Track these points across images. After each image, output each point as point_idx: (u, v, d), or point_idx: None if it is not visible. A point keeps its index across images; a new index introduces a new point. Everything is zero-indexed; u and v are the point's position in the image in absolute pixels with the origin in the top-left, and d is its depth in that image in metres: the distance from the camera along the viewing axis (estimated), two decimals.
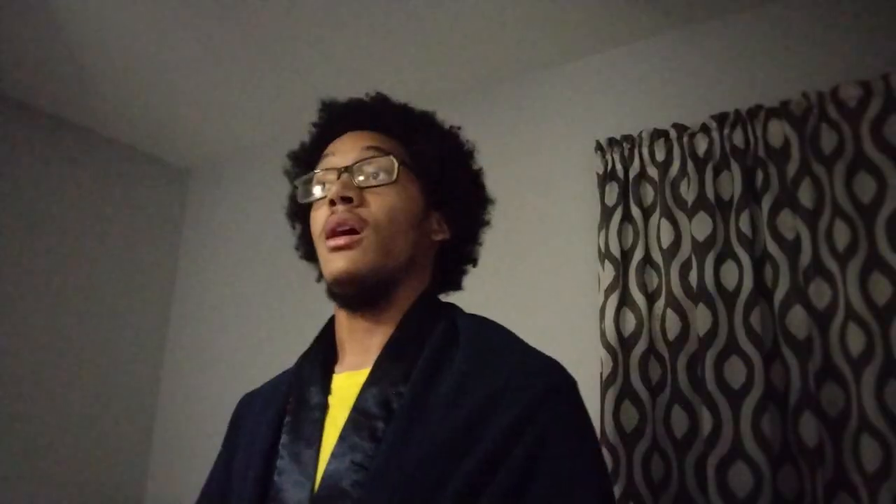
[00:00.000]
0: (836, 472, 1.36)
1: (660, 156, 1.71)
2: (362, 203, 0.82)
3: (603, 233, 1.71)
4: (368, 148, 0.86)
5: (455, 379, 0.75)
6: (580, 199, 1.89)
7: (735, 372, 1.48)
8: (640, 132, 1.75)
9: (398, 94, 0.99)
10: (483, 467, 0.66)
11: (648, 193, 1.73)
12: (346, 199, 0.81)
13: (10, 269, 2.29)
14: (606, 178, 1.76)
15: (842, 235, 1.44)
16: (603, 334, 1.64)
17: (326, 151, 0.89)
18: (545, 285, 1.88)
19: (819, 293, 1.45)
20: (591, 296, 1.79)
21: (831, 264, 1.45)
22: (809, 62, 1.64)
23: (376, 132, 0.90)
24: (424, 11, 1.83)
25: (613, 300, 1.65)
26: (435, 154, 0.90)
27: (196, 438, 2.51)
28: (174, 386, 2.65)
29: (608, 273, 1.68)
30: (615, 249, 1.69)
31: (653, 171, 1.73)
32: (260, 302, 2.51)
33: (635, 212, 1.70)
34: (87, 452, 2.41)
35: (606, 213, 1.73)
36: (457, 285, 0.99)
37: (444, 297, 0.96)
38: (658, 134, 1.72)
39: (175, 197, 2.87)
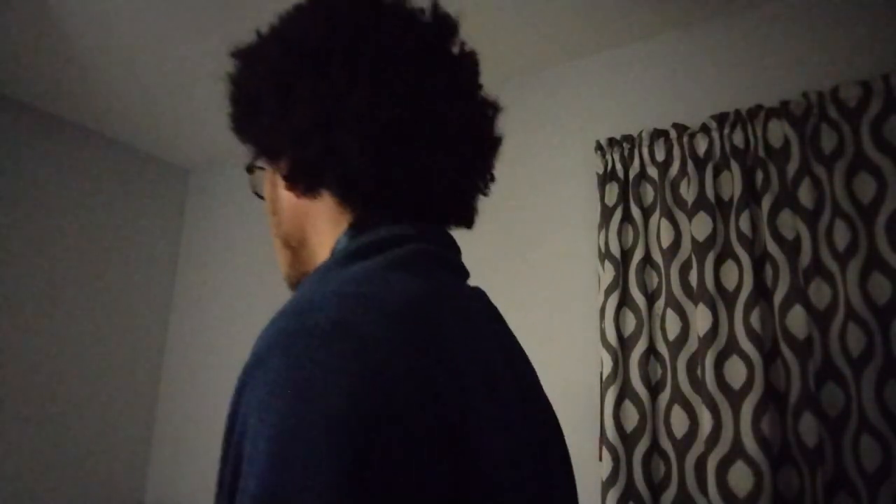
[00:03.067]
0: (836, 472, 1.36)
1: (660, 156, 1.71)
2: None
3: (603, 233, 1.71)
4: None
5: None
6: (580, 199, 1.89)
7: (735, 372, 1.48)
8: (640, 132, 1.75)
9: None
10: (222, 465, 0.48)
11: (648, 193, 1.73)
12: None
13: (10, 268, 2.29)
14: (606, 178, 1.76)
15: (842, 235, 1.44)
16: (603, 334, 1.64)
17: None
18: (545, 285, 1.89)
19: (819, 293, 1.45)
20: (591, 296, 1.79)
21: (831, 264, 1.45)
22: (809, 62, 1.64)
23: None
24: None
25: (613, 300, 1.65)
26: (239, 98, 0.64)
27: (196, 438, 2.52)
28: (174, 386, 2.65)
29: (608, 273, 1.68)
30: (615, 249, 1.69)
31: (653, 171, 1.73)
32: (260, 301, 2.51)
33: (635, 212, 1.70)
34: (87, 452, 2.41)
35: (606, 213, 1.73)
36: (414, 209, 0.61)
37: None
38: (658, 134, 1.72)
39: (175, 197, 2.87)
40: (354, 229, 0.59)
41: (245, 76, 0.64)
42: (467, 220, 0.66)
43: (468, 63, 0.63)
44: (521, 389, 0.58)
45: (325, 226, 0.62)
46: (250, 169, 0.70)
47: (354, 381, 0.43)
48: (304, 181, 0.60)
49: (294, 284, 0.68)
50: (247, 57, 0.64)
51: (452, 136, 0.60)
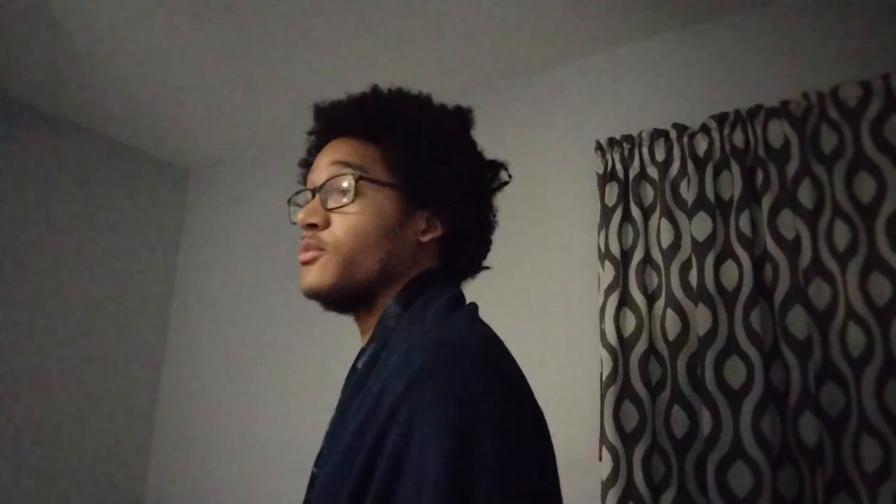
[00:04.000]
0: (836, 472, 1.36)
1: (660, 156, 1.71)
2: (327, 225, 0.82)
3: (603, 233, 1.71)
4: (334, 163, 0.84)
5: (375, 374, 0.75)
6: (580, 199, 1.89)
7: (735, 372, 1.48)
8: (640, 132, 1.75)
9: None
10: (365, 471, 0.62)
11: (648, 193, 1.73)
12: (311, 226, 0.82)
13: (10, 268, 2.29)
14: (606, 178, 1.76)
15: (842, 235, 1.44)
16: (603, 334, 1.64)
17: (313, 165, 0.89)
18: (545, 285, 1.88)
19: (819, 293, 1.45)
20: (591, 296, 1.79)
21: (831, 264, 1.45)
22: (809, 62, 1.64)
23: (352, 138, 0.87)
24: (425, 13, 1.83)
25: (613, 300, 1.65)
26: (408, 153, 0.84)
27: (196, 438, 2.52)
28: (174, 386, 2.66)
29: (608, 273, 1.68)
30: (615, 249, 1.69)
31: (653, 171, 1.73)
32: (260, 301, 2.51)
33: (635, 212, 1.70)
34: (87, 452, 2.41)
35: (606, 213, 1.73)
36: (466, 274, 0.94)
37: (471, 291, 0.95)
38: (658, 134, 1.72)
39: (175, 197, 2.87)
40: (439, 284, 0.84)
41: (447, 150, 0.87)
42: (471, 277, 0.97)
43: (495, 194, 0.95)
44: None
45: (417, 265, 0.85)
46: (360, 175, 0.83)
47: (503, 395, 0.65)
48: (452, 236, 0.87)
49: (331, 290, 0.81)
50: (450, 138, 0.89)
51: (487, 235, 0.94)
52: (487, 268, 0.96)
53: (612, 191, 1.74)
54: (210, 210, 2.81)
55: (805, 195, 1.49)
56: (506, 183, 0.94)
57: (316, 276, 0.81)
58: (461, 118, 0.92)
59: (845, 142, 1.49)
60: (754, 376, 1.45)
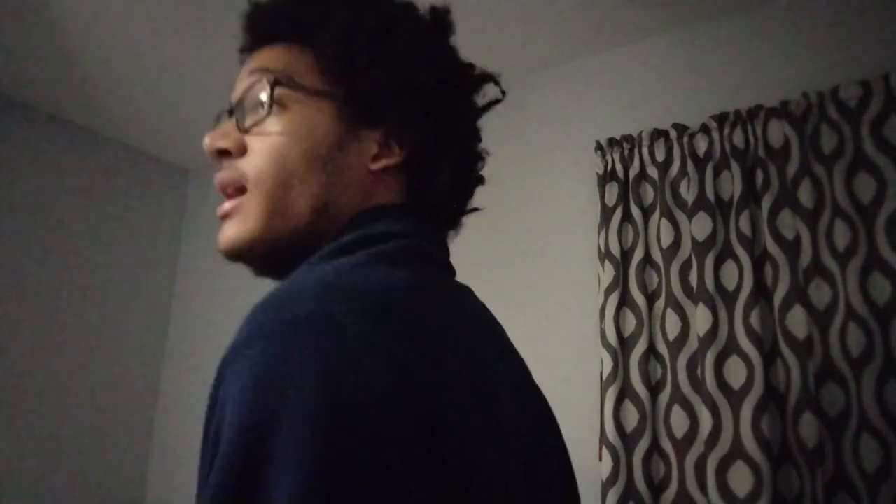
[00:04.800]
0: (836, 472, 1.36)
1: (660, 156, 1.71)
2: (243, 151, 0.61)
3: (603, 233, 1.71)
4: (253, 72, 0.66)
5: None
6: (580, 199, 1.89)
7: (735, 372, 1.48)
8: (640, 132, 1.75)
9: None
10: (200, 461, 0.48)
11: (648, 193, 1.73)
12: (220, 153, 0.62)
13: (9, 268, 2.29)
14: (606, 178, 1.76)
15: (842, 235, 1.44)
16: (603, 334, 1.64)
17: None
18: (545, 285, 1.88)
19: (819, 293, 1.45)
20: (591, 296, 1.79)
21: (831, 264, 1.45)
22: (809, 62, 1.64)
23: (281, 44, 0.67)
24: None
25: (613, 300, 1.65)
26: (347, 50, 0.62)
27: (196, 438, 2.52)
28: (174, 386, 2.66)
29: (608, 273, 1.68)
30: (615, 249, 1.69)
31: (653, 171, 1.73)
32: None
33: (635, 212, 1.70)
34: (87, 452, 2.41)
35: (606, 213, 1.73)
36: (444, 218, 0.68)
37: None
38: (658, 134, 1.72)
39: (175, 197, 2.87)
40: (361, 221, 0.60)
41: (403, 51, 0.64)
42: (455, 227, 0.71)
43: (480, 114, 0.72)
44: (514, 382, 0.58)
45: (356, 201, 0.61)
46: (285, 79, 0.62)
47: (329, 375, 0.42)
48: (394, 172, 0.63)
49: (256, 243, 0.60)
50: (406, 33, 0.65)
51: (467, 164, 0.69)
52: (474, 209, 0.72)
53: (612, 191, 1.74)
54: (210, 210, 2.81)
55: (805, 195, 1.49)
56: (497, 101, 0.73)
57: (235, 229, 0.60)
58: (432, 16, 0.69)
59: (845, 142, 1.49)
60: (754, 376, 1.45)
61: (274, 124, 0.60)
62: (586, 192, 1.88)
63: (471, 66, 0.72)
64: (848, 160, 1.47)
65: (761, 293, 1.52)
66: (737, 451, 1.43)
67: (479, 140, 0.71)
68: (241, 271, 0.65)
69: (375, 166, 0.62)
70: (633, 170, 1.74)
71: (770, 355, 1.48)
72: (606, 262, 1.69)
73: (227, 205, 0.61)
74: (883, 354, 1.35)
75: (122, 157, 2.68)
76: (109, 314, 2.55)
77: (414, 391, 0.44)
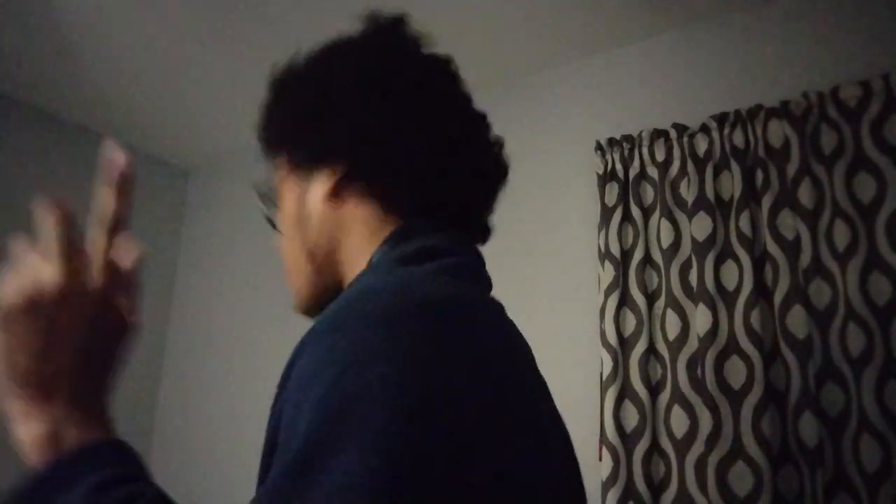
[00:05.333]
0: (836, 472, 1.36)
1: (660, 156, 1.71)
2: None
3: (603, 233, 1.71)
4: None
5: None
6: (580, 199, 1.89)
7: (735, 372, 1.48)
8: (640, 132, 1.75)
9: None
10: (265, 448, 0.51)
11: (648, 193, 1.73)
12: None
13: (9, 268, 2.28)
14: (606, 178, 1.76)
15: (842, 235, 1.44)
16: (603, 334, 1.64)
17: None
18: (545, 285, 1.88)
19: (819, 293, 1.45)
20: (591, 296, 1.79)
21: (831, 264, 1.45)
22: (809, 62, 1.64)
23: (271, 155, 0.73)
24: (424, 13, 1.82)
25: (613, 300, 1.65)
26: (273, 116, 0.70)
27: (196, 438, 2.52)
28: (174, 386, 2.66)
29: (608, 273, 1.68)
30: (615, 249, 1.69)
31: (653, 171, 1.73)
32: (259, 301, 2.51)
33: (635, 212, 1.70)
34: None
35: (606, 213, 1.73)
36: (452, 223, 0.67)
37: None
38: (658, 134, 1.72)
39: (175, 197, 2.87)
40: (398, 237, 0.62)
41: (301, 85, 0.69)
42: (484, 237, 0.73)
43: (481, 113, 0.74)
44: (544, 394, 0.62)
45: (363, 235, 0.64)
46: (264, 188, 0.73)
47: (400, 364, 0.45)
48: (355, 189, 0.64)
49: (311, 307, 0.70)
50: (304, 70, 0.71)
51: (477, 160, 0.70)
52: (482, 211, 0.71)
53: (612, 191, 1.74)
54: (210, 210, 2.81)
55: (805, 195, 1.49)
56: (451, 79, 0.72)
57: (293, 300, 0.74)
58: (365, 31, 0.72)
59: (845, 142, 1.49)
60: (754, 376, 1.45)
61: (277, 217, 0.71)
62: (586, 192, 1.88)
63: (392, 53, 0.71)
64: (848, 160, 1.47)
65: (761, 293, 1.52)
66: (737, 451, 1.43)
67: (444, 125, 0.67)
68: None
69: (328, 200, 0.65)
70: (633, 170, 1.74)
71: (770, 355, 1.48)
72: (606, 262, 1.69)
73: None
74: (883, 354, 1.35)
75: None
76: None
77: (469, 390, 0.48)
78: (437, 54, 0.72)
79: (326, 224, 0.66)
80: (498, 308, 0.61)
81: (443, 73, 0.71)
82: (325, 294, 0.68)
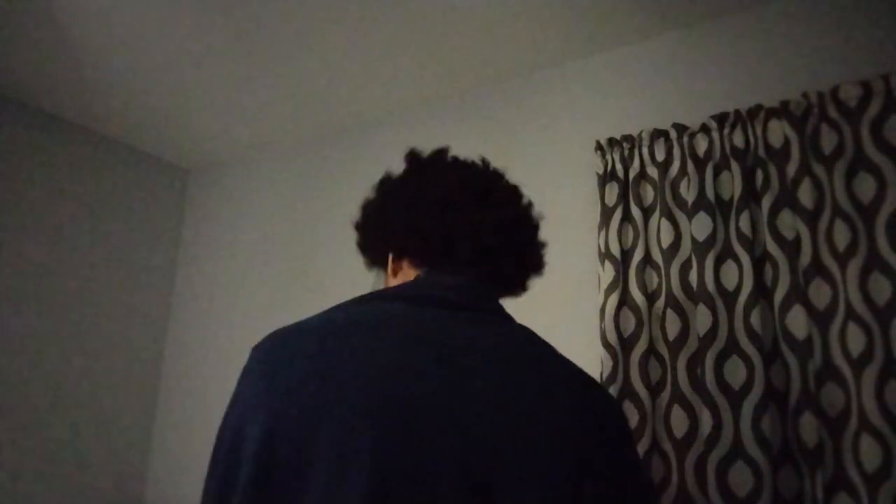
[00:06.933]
0: (836, 472, 1.36)
1: (660, 156, 1.71)
2: None
3: (603, 233, 1.71)
4: None
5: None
6: (580, 199, 1.89)
7: (735, 372, 1.48)
8: (640, 132, 1.75)
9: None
10: None
11: (648, 193, 1.73)
12: None
13: (9, 269, 2.29)
14: (606, 178, 1.76)
15: (842, 235, 1.44)
16: (603, 334, 1.64)
17: None
18: (545, 285, 1.89)
19: (819, 293, 1.45)
20: (591, 296, 1.79)
21: (831, 264, 1.45)
22: (809, 62, 1.64)
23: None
24: (424, 12, 1.83)
25: (613, 300, 1.65)
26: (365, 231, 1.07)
27: (196, 438, 2.52)
28: (174, 386, 2.66)
29: (608, 273, 1.68)
30: (615, 249, 1.69)
31: (653, 171, 1.73)
32: (259, 301, 2.51)
33: (635, 212, 1.70)
34: (88, 452, 2.41)
35: (606, 213, 1.73)
36: (483, 274, 0.96)
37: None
38: (658, 134, 1.72)
39: (175, 197, 2.87)
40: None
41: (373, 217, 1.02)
42: (515, 290, 0.99)
43: (505, 188, 0.99)
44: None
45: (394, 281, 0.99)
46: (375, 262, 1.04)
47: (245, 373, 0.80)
48: (399, 253, 0.97)
49: None
50: (371, 204, 1.03)
51: (488, 239, 0.94)
52: (448, 246, 0.95)
53: (612, 191, 1.74)
54: (210, 210, 2.81)
55: (805, 195, 1.49)
56: (443, 151, 1.03)
57: None
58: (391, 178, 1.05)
59: (845, 142, 1.49)
60: (754, 376, 1.45)
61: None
62: (586, 192, 1.88)
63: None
64: (848, 160, 1.47)
65: (761, 293, 1.52)
66: (737, 451, 1.43)
67: (470, 213, 0.96)
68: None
69: (394, 278, 0.98)
70: (633, 170, 1.74)
71: (770, 355, 1.49)
72: (606, 262, 1.69)
73: None
74: (883, 354, 1.35)
75: (122, 157, 2.68)
76: (109, 314, 2.55)
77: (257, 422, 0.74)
78: (462, 167, 0.99)
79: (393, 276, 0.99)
80: (367, 315, 0.80)
81: (455, 187, 0.96)
82: None
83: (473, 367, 0.73)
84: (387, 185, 1.01)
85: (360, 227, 1.04)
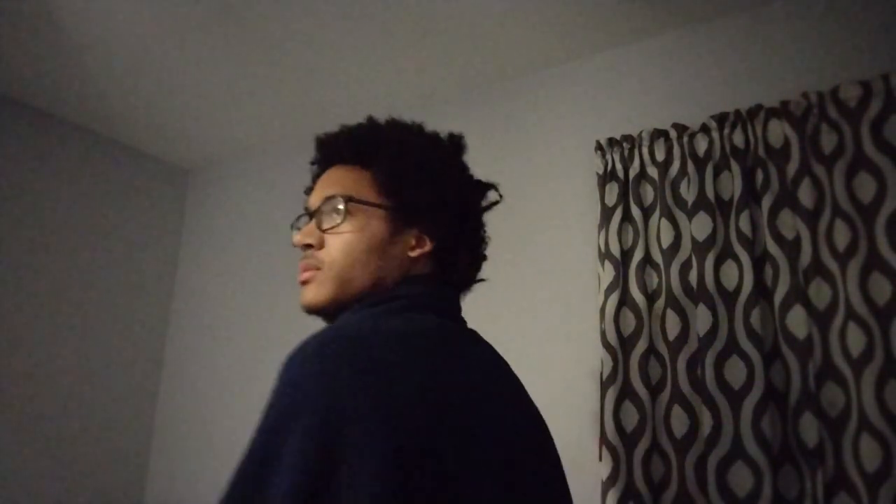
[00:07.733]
0: (836, 472, 1.36)
1: (660, 156, 1.71)
2: (322, 246, 0.89)
3: (603, 233, 1.71)
4: (328, 188, 0.92)
5: None
6: (580, 199, 1.89)
7: (735, 372, 1.48)
8: (640, 132, 1.75)
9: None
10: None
11: (648, 193, 1.73)
12: (307, 246, 0.90)
13: (10, 269, 2.29)
14: (606, 178, 1.76)
15: (842, 235, 1.44)
16: (603, 334, 1.64)
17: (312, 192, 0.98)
18: (545, 285, 1.89)
19: (819, 293, 1.45)
20: (591, 296, 1.79)
21: (831, 264, 1.45)
22: (809, 62, 1.64)
23: (347, 165, 0.94)
24: (424, 12, 1.83)
25: (613, 300, 1.65)
26: (395, 176, 0.90)
27: (196, 438, 2.52)
28: (174, 386, 2.66)
29: (608, 273, 1.68)
30: (615, 249, 1.69)
31: (653, 171, 1.73)
32: (259, 301, 2.51)
33: (635, 212, 1.70)
34: (87, 453, 2.41)
35: (606, 213, 1.73)
36: (459, 286, 0.98)
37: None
38: (658, 134, 1.72)
39: (175, 197, 2.87)
40: (407, 286, 0.88)
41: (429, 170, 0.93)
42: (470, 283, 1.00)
43: (484, 212, 1.00)
44: (507, 404, 0.79)
45: (397, 276, 0.89)
46: (349, 197, 0.90)
47: (336, 385, 0.66)
48: (441, 252, 0.91)
49: (327, 307, 0.87)
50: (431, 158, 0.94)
51: (477, 247, 0.99)
52: (481, 280, 1.01)
53: (612, 191, 1.74)
54: (210, 210, 2.81)
55: (805, 195, 1.49)
56: (496, 203, 1.01)
57: (313, 293, 0.87)
58: (451, 143, 0.98)
59: (845, 142, 1.49)
60: (754, 376, 1.45)
61: (345, 228, 0.88)
62: (586, 192, 1.88)
63: (477, 181, 0.98)
64: (848, 160, 1.47)
65: (761, 293, 1.52)
66: (737, 451, 1.43)
67: (484, 230, 1.00)
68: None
69: (413, 254, 0.89)
70: (633, 170, 1.74)
71: (770, 355, 1.49)
72: (606, 262, 1.69)
73: (306, 274, 0.88)
74: (883, 354, 1.35)
75: (122, 157, 2.68)
76: (109, 314, 2.55)
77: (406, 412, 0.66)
78: (473, 177, 0.99)
79: (399, 265, 0.89)
80: (440, 330, 0.78)
81: (482, 192, 0.99)
82: (348, 303, 0.86)
83: (504, 388, 0.82)
84: (454, 166, 0.96)
85: (428, 188, 0.91)
